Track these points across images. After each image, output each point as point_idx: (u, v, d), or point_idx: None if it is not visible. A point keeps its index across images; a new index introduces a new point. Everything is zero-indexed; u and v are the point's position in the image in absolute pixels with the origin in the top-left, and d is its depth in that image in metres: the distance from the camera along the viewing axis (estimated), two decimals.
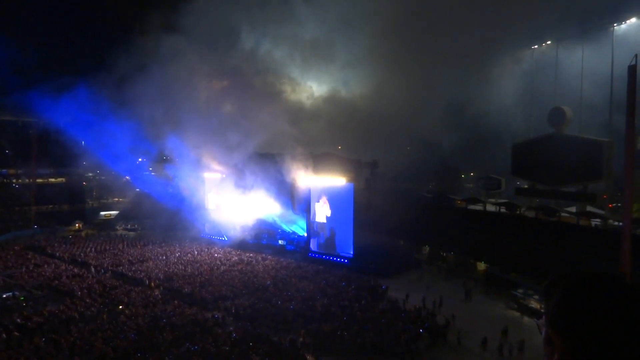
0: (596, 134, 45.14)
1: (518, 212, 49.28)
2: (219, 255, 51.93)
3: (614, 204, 46.65)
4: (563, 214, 45.91)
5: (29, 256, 50.50)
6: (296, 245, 55.94)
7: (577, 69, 47.16)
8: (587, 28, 47.39)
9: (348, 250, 49.63)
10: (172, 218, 62.72)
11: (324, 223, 52.29)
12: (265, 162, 55.56)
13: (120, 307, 33.70)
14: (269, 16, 62.33)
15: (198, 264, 47.68)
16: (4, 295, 35.23)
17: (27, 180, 77.78)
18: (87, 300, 35.09)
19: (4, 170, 79.30)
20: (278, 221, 59.19)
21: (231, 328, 30.33)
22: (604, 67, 44.10)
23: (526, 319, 34.01)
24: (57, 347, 26.36)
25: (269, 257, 51.15)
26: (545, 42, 52.52)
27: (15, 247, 54.40)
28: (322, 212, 52.57)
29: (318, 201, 52.78)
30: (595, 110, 46.54)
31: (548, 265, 38.80)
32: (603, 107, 45.24)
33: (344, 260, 49.30)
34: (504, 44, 56.44)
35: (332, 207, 51.64)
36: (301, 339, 28.46)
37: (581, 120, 47.16)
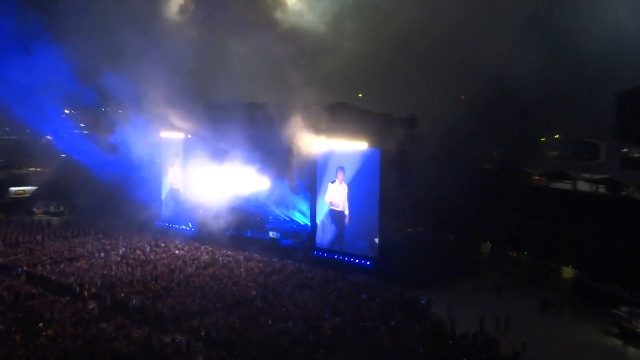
0: None
1: (624, 193, 48.87)
2: (181, 253, 52.21)
3: None
4: None
5: None
6: (295, 240, 56.17)
7: None
8: None
9: (371, 247, 49.72)
10: (114, 198, 62.97)
11: (339, 209, 52.19)
12: (251, 115, 55.17)
13: (40, 324, 34.06)
14: None
15: (151, 265, 47.98)
16: None
17: None
18: None
19: None
20: (269, 204, 59.33)
21: (200, 358, 30.58)
22: None
23: (632, 349, 34.03)
24: None
25: (255, 255, 51.38)
26: None
27: None
28: (337, 191, 52.41)
29: (334, 180, 52.50)
30: None
31: None
32: None
33: (366, 262, 49.45)
34: None
35: (350, 183, 51.36)
36: None
37: None
